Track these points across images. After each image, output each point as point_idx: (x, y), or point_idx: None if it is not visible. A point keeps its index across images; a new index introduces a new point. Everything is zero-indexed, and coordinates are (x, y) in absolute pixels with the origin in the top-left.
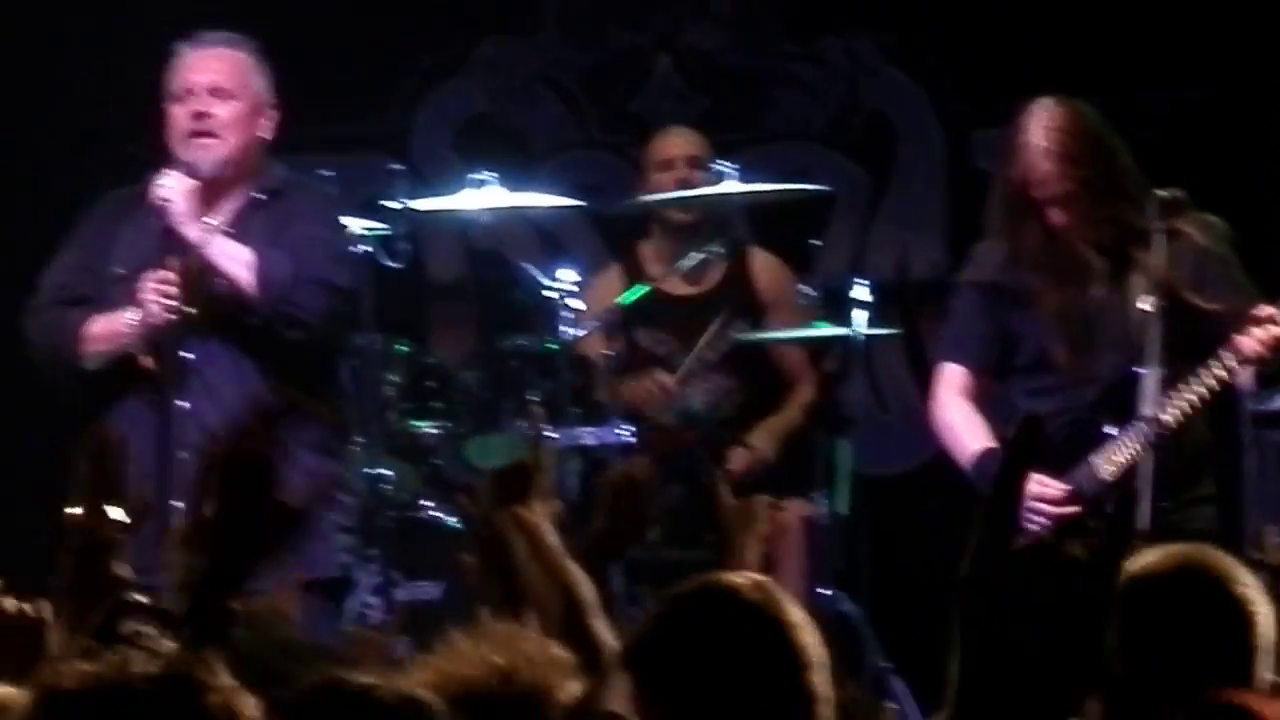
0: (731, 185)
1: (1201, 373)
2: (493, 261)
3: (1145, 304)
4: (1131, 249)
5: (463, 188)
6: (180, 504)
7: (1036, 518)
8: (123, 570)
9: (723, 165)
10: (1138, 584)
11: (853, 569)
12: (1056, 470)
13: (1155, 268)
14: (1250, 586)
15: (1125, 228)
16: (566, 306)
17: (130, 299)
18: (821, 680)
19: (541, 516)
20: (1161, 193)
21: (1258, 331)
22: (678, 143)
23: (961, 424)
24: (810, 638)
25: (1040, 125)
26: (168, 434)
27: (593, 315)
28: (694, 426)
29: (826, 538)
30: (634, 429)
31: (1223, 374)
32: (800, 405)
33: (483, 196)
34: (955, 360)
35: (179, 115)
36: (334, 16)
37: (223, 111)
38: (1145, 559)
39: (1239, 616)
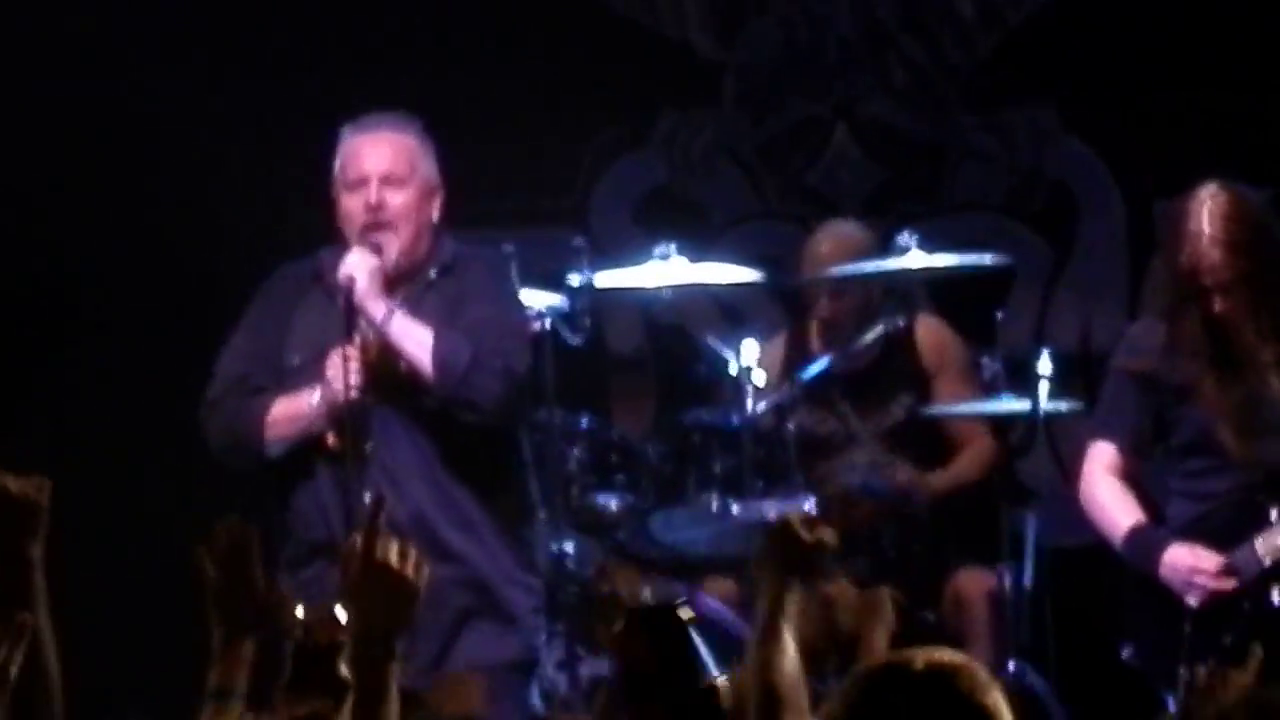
0: (912, 257)
1: None
2: (674, 335)
3: None
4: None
5: (644, 261)
6: None
7: (1193, 590)
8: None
9: (903, 236)
10: None
11: (1038, 642)
12: (1218, 549)
13: None
14: None
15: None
16: (749, 380)
17: (310, 383)
18: None
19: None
20: None
21: None
22: (827, 246)
23: (1112, 501)
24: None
25: (1207, 212)
26: (352, 511)
27: (775, 386)
28: (876, 500)
29: (1011, 610)
30: (817, 501)
31: None
32: (977, 462)
33: (664, 270)
34: (1106, 439)
35: (352, 205)
36: (515, 90)
37: (396, 200)
38: None
39: None
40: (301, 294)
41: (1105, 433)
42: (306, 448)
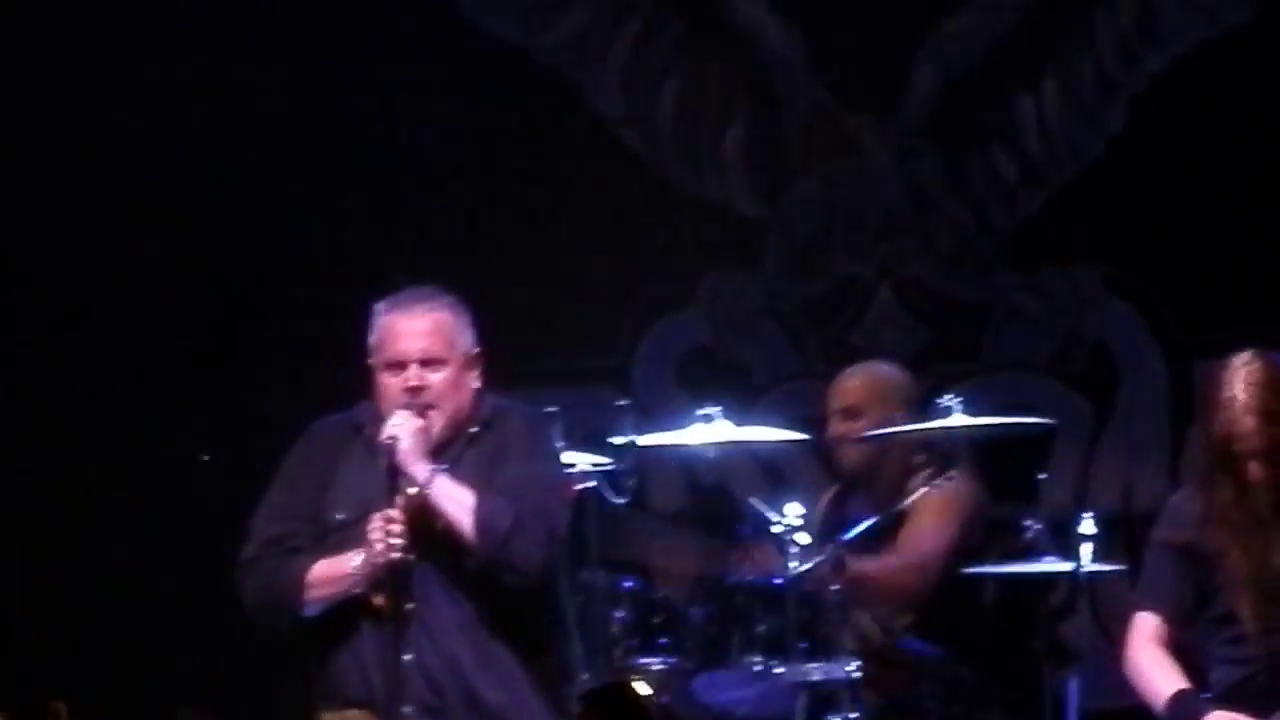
0: (955, 418)
1: None
2: (717, 496)
3: None
4: None
5: (687, 421)
6: None
7: None
8: None
9: (946, 398)
10: None
11: None
12: (1260, 713)
13: None
14: None
15: None
16: (793, 540)
17: (352, 543)
18: None
19: None
20: None
21: None
22: (836, 394)
23: (1154, 668)
24: None
25: (1241, 379)
26: (393, 670)
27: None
28: (919, 664)
29: None
30: (861, 664)
31: None
32: (904, 565)
33: (707, 431)
34: (1149, 609)
35: (391, 385)
36: (560, 248)
37: (436, 379)
38: None
39: None
40: (342, 448)
41: (1148, 603)
42: (347, 609)
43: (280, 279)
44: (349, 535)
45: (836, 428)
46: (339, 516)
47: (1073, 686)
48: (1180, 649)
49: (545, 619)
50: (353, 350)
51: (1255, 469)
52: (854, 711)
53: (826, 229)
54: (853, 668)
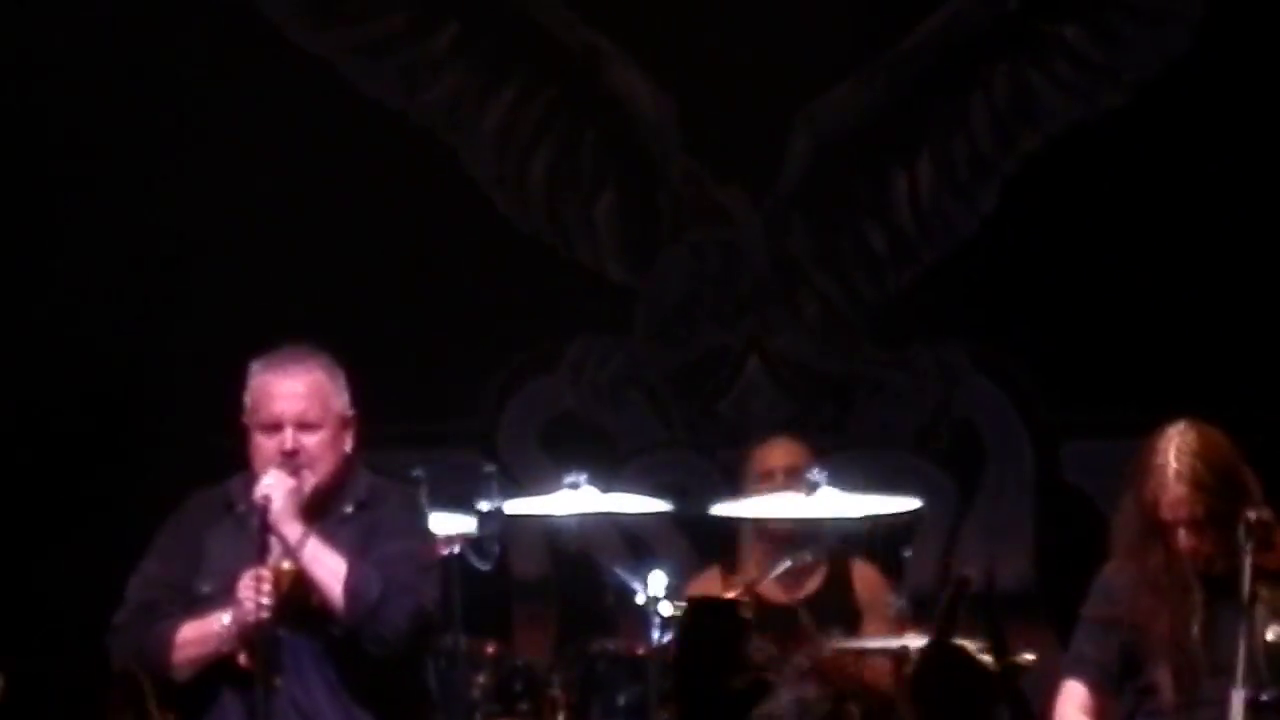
0: (822, 496)
1: None
2: (580, 564)
3: (1270, 633)
4: (1257, 580)
5: (550, 489)
6: None
7: None
8: None
9: (812, 472)
10: None
11: None
12: None
13: (1244, 588)
14: None
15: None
16: (656, 611)
17: (218, 611)
18: None
19: None
20: (1250, 514)
21: None
22: (780, 454)
23: None
24: None
25: (1174, 448)
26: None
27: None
28: None
29: None
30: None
31: None
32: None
33: (573, 499)
34: (1077, 678)
35: (266, 446)
36: (426, 312)
37: (311, 442)
38: None
39: None
40: (212, 522)
41: (1074, 672)
42: (214, 674)
43: (152, 334)
44: (218, 606)
45: (779, 485)
46: (205, 589)
47: None
48: (1104, 717)
49: (411, 690)
50: (224, 413)
51: (1183, 537)
52: None
53: (696, 298)
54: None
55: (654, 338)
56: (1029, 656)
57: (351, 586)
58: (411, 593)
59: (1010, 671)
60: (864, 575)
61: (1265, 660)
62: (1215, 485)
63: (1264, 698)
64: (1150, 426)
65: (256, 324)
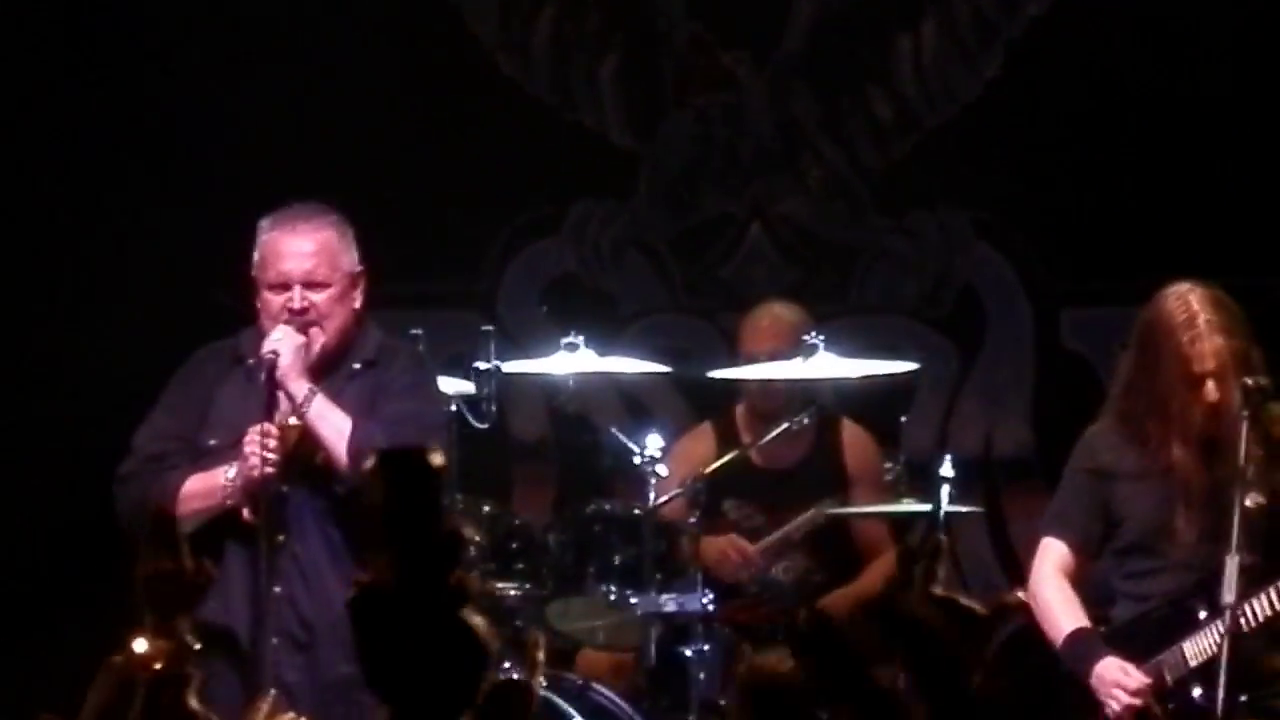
0: (820, 357)
1: (1271, 592)
2: (578, 425)
3: (1250, 500)
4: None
5: (550, 349)
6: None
7: (1112, 702)
8: (195, 703)
9: (810, 336)
10: None
11: None
12: (1149, 651)
13: (1239, 455)
14: None
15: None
16: (653, 472)
17: (226, 464)
18: None
19: None
20: (1247, 380)
21: None
22: (763, 336)
23: (1059, 602)
24: None
25: (1198, 301)
26: (260, 597)
27: (681, 475)
28: (775, 598)
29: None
30: (715, 597)
31: None
32: (879, 575)
33: (571, 360)
34: (1059, 536)
35: (274, 303)
36: (428, 173)
37: (320, 300)
38: None
39: None
40: (221, 376)
41: (1057, 530)
42: (219, 527)
43: (155, 200)
44: (224, 459)
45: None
46: (211, 441)
47: None
48: (1082, 580)
49: None
50: (232, 270)
51: (1211, 390)
52: (706, 643)
53: (699, 164)
54: (707, 600)
55: (657, 202)
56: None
57: (356, 444)
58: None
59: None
60: (854, 440)
61: (1243, 527)
62: (1243, 335)
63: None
64: (1150, 294)
65: (260, 182)
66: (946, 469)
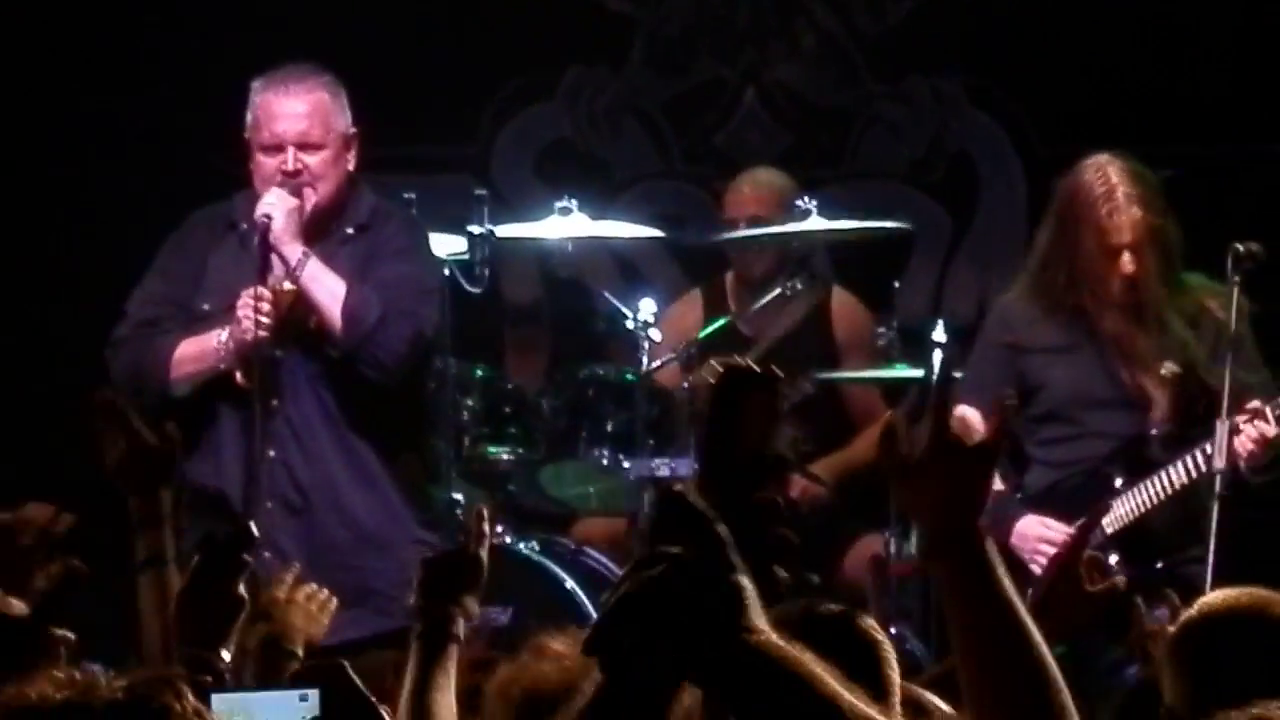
0: (812, 222)
1: (1196, 452)
2: (572, 289)
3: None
4: (1165, 310)
5: (544, 214)
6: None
7: (1037, 558)
8: None
9: (803, 201)
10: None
11: (926, 608)
12: (1065, 518)
13: (1226, 321)
14: None
15: (1170, 286)
16: (646, 337)
17: (218, 328)
18: None
19: None
20: (1239, 246)
21: (1248, 429)
22: (745, 202)
23: None
24: None
25: (1116, 173)
26: (253, 462)
27: (671, 342)
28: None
29: (898, 575)
30: None
31: (1207, 463)
32: (870, 442)
33: (565, 224)
34: (972, 403)
35: (267, 165)
36: (422, 37)
37: (313, 161)
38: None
39: None
40: (215, 240)
41: (972, 397)
42: (212, 391)
43: (147, 64)
44: (213, 325)
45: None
46: (205, 306)
47: None
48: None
49: (408, 417)
50: (222, 133)
51: (1127, 262)
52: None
53: (694, 29)
54: (696, 467)
55: (651, 68)
56: None
57: (350, 308)
58: (410, 317)
59: None
60: (844, 309)
61: (1159, 395)
62: (1161, 208)
63: (1153, 431)
64: (1149, 159)
65: (252, 44)
66: (939, 334)
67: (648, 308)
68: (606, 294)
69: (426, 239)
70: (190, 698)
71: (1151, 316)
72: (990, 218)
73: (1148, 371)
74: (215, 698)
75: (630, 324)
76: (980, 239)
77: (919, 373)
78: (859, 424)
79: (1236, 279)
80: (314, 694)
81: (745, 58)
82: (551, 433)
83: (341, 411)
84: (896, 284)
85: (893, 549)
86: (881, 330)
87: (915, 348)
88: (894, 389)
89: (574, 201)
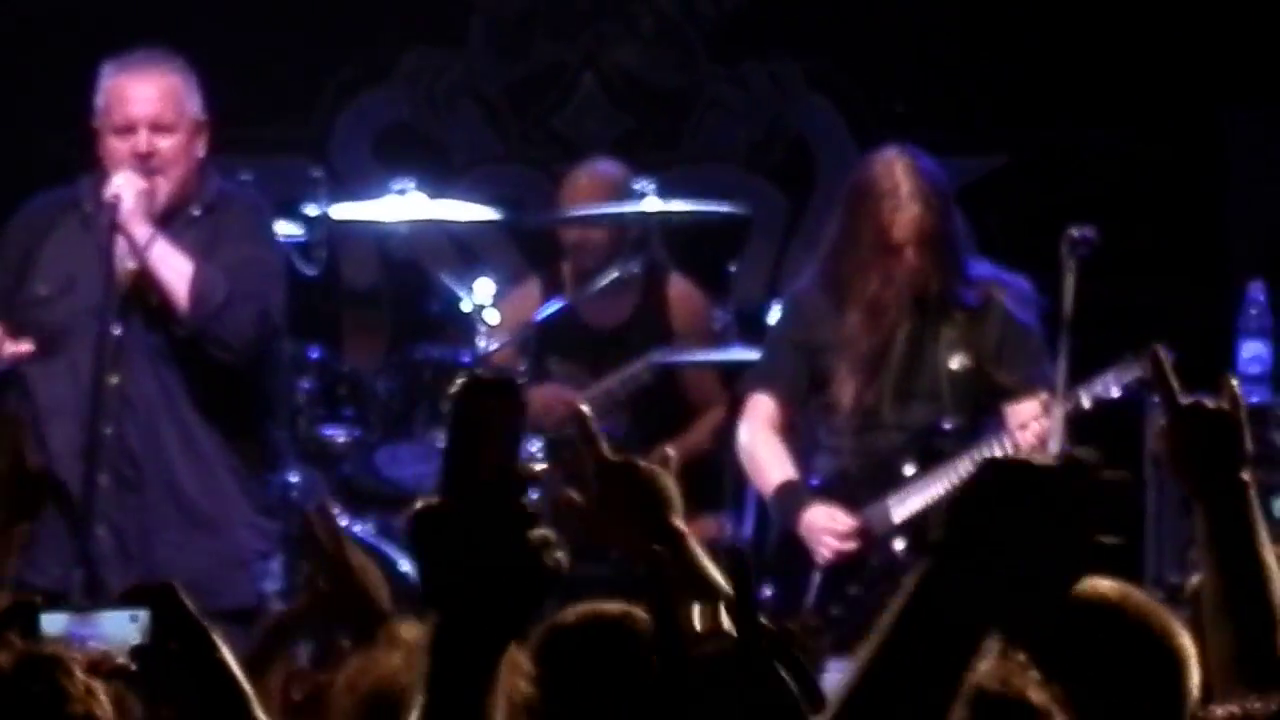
0: (649, 203)
1: (985, 444)
2: (409, 271)
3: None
4: (953, 305)
5: (381, 195)
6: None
7: (822, 549)
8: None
9: (640, 184)
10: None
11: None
12: (853, 506)
13: (1066, 304)
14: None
15: (956, 281)
16: (482, 319)
17: (55, 317)
18: None
19: None
20: (1073, 231)
21: (1029, 427)
22: (583, 190)
23: (767, 456)
24: None
25: (901, 169)
26: (97, 421)
27: (508, 327)
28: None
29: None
30: (543, 445)
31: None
32: (708, 427)
33: (402, 206)
34: (765, 391)
35: (119, 149)
36: (260, 18)
37: (165, 145)
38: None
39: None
40: (54, 224)
41: (764, 385)
42: (48, 368)
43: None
44: (51, 309)
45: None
46: (41, 291)
47: None
48: (789, 430)
49: (248, 401)
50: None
51: (910, 256)
52: (534, 492)
53: (532, 11)
54: (536, 447)
55: (489, 51)
56: None
57: (198, 288)
58: (257, 298)
59: None
60: (680, 295)
61: (949, 388)
62: (941, 205)
63: (946, 425)
64: (982, 144)
65: (94, 26)
66: (775, 317)
67: (484, 289)
68: (443, 276)
69: (271, 221)
70: (79, 674)
71: (936, 311)
72: (827, 201)
73: (936, 365)
74: (45, 618)
75: (466, 306)
76: (816, 222)
77: (755, 354)
78: (696, 408)
79: (1071, 264)
80: (143, 614)
81: (584, 40)
82: (387, 414)
83: (183, 391)
84: (733, 268)
85: (728, 529)
86: (718, 314)
87: (752, 331)
88: (731, 372)
89: (411, 183)
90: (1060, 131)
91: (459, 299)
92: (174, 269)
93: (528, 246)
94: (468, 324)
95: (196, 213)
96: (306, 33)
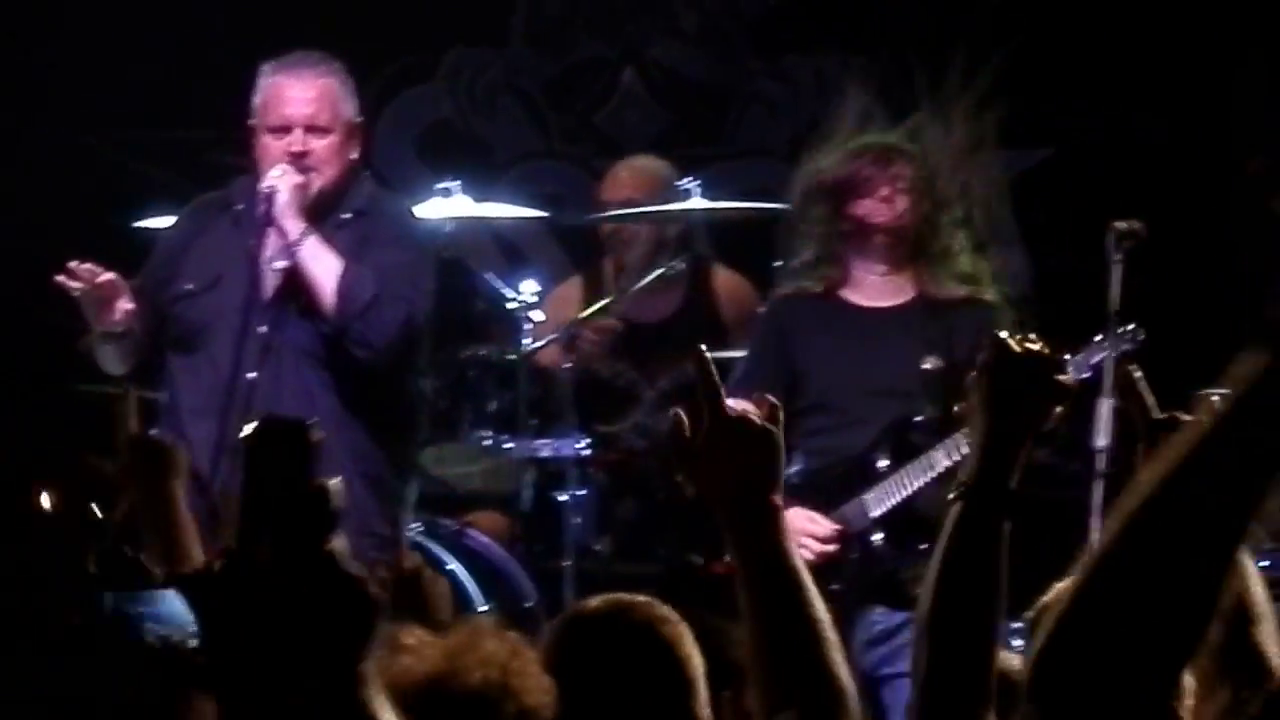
0: (693, 202)
1: (959, 436)
2: (453, 270)
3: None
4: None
5: (426, 195)
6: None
7: (804, 551)
8: None
9: (685, 181)
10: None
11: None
12: (830, 503)
13: (1113, 296)
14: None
15: (942, 274)
16: (527, 318)
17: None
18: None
19: None
20: (1120, 224)
21: None
22: (624, 185)
23: None
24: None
25: (892, 160)
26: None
27: (552, 326)
28: (648, 441)
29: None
30: (590, 441)
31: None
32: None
33: (446, 205)
34: (744, 395)
35: (274, 148)
36: (302, 19)
37: (320, 146)
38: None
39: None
40: (206, 223)
41: (742, 389)
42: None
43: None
44: (196, 304)
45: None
46: (187, 286)
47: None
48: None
49: (390, 407)
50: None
51: (892, 248)
52: (581, 489)
53: (573, 7)
54: (581, 445)
55: (531, 48)
56: None
57: (346, 286)
58: (403, 301)
59: None
60: (728, 287)
61: (921, 386)
62: (927, 198)
63: (917, 419)
64: (1024, 139)
65: (137, 27)
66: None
67: (529, 288)
68: (488, 275)
69: (419, 227)
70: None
71: (917, 307)
72: None
73: (910, 364)
74: (109, 596)
75: (512, 305)
76: None
77: None
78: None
79: (1118, 258)
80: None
81: (625, 36)
82: (433, 414)
83: (323, 391)
84: (777, 263)
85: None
86: (764, 309)
87: None
88: None
89: (456, 182)
90: (1108, 122)
91: (504, 298)
92: (324, 265)
93: (571, 243)
94: (513, 322)
95: (346, 216)
96: (350, 31)
